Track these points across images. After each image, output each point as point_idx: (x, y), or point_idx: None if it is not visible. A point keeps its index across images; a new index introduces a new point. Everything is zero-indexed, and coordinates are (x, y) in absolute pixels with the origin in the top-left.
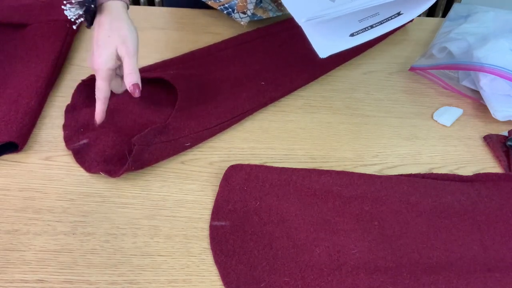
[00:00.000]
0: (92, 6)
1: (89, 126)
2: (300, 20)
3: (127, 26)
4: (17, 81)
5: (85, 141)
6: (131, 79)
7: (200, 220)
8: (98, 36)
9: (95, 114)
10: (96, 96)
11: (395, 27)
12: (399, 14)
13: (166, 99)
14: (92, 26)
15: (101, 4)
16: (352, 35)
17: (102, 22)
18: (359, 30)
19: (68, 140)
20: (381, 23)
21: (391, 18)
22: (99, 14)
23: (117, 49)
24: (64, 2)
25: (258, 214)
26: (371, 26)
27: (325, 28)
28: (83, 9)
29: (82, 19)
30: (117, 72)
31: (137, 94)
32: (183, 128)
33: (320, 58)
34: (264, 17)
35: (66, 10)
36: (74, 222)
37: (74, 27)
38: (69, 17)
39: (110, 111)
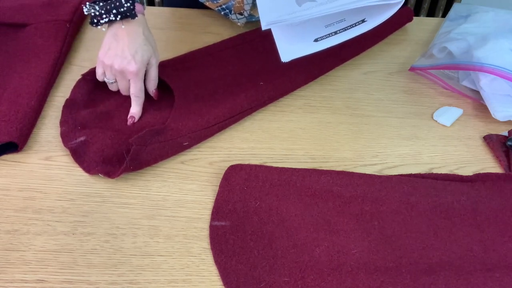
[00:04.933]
0: (133, 12)
1: (87, 124)
2: (262, 24)
3: (153, 38)
4: (17, 81)
5: (82, 138)
6: (155, 85)
7: (200, 220)
8: (133, 43)
9: (133, 114)
10: (135, 96)
11: (358, 34)
12: (363, 21)
13: (165, 100)
14: (103, 30)
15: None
16: (316, 40)
17: (133, 31)
18: (323, 36)
19: (65, 136)
20: (345, 29)
21: (355, 25)
22: (126, 22)
23: (150, 57)
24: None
25: (258, 214)
26: (335, 32)
27: (291, 32)
28: (119, 10)
29: (107, 19)
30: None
31: (156, 97)
32: (181, 128)
33: (282, 61)
34: None
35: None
36: (74, 222)
37: (97, 26)
38: (87, 12)
39: (108, 111)
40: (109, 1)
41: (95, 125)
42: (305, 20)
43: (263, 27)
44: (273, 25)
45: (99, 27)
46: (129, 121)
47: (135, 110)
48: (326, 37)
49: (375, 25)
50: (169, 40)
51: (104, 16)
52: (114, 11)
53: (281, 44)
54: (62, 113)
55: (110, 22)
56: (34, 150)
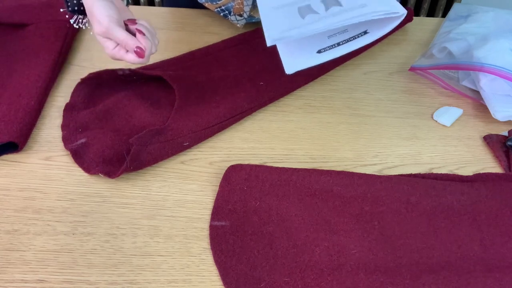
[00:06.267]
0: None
1: (87, 126)
2: (267, 41)
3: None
4: (17, 81)
5: (83, 140)
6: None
7: (200, 220)
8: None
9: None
10: (129, 49)
11: (361, 46)
12: (365, 32)
13: (165, 99)
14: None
15: None
16: (319, 51)
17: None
18: (326, 47)
19: (66, 140)
20: (347, 41)
21: (358, 37)
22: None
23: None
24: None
25: (258, 214)
26: (338, 44)
27: (295, 44)
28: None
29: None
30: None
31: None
32: (182, 128)
33: (286, 73)
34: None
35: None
36: (74, 222)
37: (76, 25)
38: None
39: (107, 112)
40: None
41: (95, 125)
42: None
43: (268, 44)
44: (278, 42)
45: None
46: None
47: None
48: (329, 49)
49: (378, 37)
50: (169, 40)
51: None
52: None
53: (285, 57)
54: (63, 117)
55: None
56: (34, 150)
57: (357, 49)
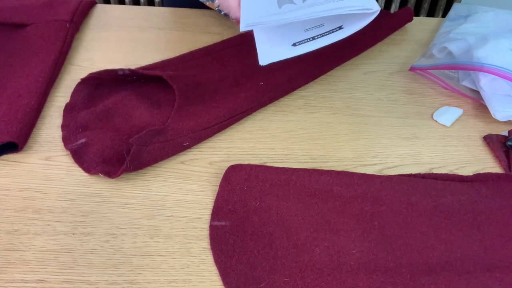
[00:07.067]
0: None
1: (87, 126)
2: (241, 24)
3: None
4: (17, 81)
5: (83, 140)
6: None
7: (200, 220)
8: None
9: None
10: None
11: (335, 40)
12: (340, 28)
13: (165, 99)
14: None
15: None
16: (294, 44)
17: None
18: (301, 41)
19: (66, 140)
20: (322, 35)
21: (333, 32)
22: None
23: None
24: None
25: (258, 214)
26: (313, 38)
27: (272, 34)
28: None
29: None
30: None
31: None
32: (182, 128)
33: (260, 64)
34: None
35: None
36: (74, 222)
37: None
38: None
39: (107, 112)
40: None
41: (95, 125)
42: (283, 24)
43: (241, 29)
44: (251, 27)
45: None
46: None
47: None
48: (304, 42)
49: (351, 33)
50: (169, 40)
51: None
52: None
53: (261, 46)
54: (63, 117)
55: None
56: (34, 150)
57: (357, 48)
